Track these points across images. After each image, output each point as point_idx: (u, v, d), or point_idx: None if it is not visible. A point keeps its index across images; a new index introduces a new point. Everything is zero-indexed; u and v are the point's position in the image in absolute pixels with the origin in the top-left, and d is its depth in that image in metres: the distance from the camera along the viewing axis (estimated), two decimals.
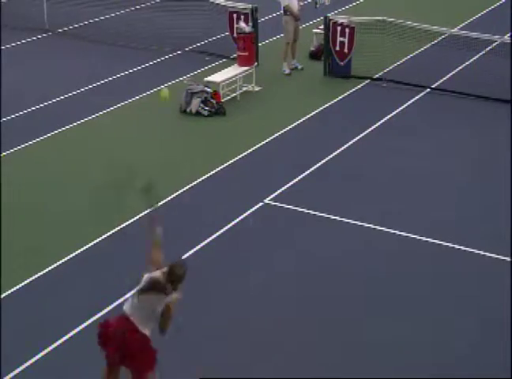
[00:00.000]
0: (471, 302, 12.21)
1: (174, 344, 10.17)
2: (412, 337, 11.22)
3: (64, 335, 10.86)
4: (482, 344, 11.12)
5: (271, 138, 17.47)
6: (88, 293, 12.20)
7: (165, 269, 8.69)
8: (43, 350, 10.60)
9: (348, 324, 11.51)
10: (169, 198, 14.77)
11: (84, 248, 13.20)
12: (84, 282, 12.52)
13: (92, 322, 10.93)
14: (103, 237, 13.66)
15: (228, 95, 19.38)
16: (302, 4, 22.12)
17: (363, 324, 11.56)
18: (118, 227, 13.86)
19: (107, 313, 11.22)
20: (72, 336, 10.91)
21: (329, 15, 20.97)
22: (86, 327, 11.01)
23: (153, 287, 8.68)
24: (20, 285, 12.21)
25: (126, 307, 8.75)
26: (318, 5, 23.48)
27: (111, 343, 8.70)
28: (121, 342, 8.64)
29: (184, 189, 15.15)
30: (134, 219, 14.12)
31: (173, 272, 8.63)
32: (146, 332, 8.69)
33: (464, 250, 13.47)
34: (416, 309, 12.04)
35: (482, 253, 13.38)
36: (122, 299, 11.49)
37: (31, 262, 12.97)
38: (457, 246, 13.45)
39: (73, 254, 12.98)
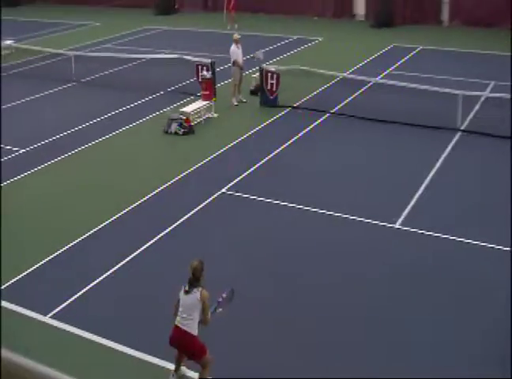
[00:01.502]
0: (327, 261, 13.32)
1: None
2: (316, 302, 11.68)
3: None
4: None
5: (226, 148, 18.56)
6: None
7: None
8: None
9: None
10: (157, 190, 15.78)
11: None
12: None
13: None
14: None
15: (196, 121, 20.45)
16: (244, 59, 22.93)
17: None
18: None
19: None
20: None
21: (263, 65, 22.46)
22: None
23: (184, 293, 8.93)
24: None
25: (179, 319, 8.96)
26: (255, 59, 23.95)
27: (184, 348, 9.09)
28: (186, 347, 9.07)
29: (166, 184, 16.11)
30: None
31: (191, 268, 8.86)
32: (195, 332, 8.92)
33: (352, 218, 14.49)
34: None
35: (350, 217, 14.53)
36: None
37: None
38: (351, 217, 14.42)
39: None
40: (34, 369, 2.22)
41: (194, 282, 8.80)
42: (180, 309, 8.89)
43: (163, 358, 9.95)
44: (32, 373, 2.22)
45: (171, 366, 9.58)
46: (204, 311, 8.82)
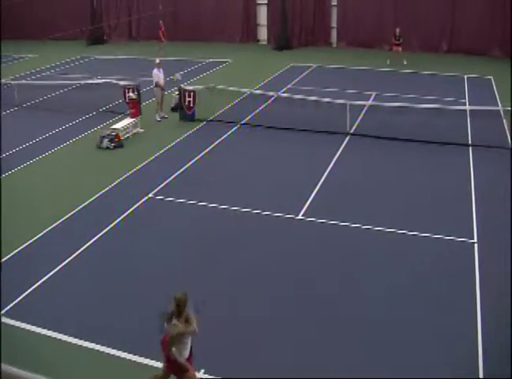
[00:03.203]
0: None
1: None
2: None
3: None
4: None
5: (152, 158, 18.31)
6: None
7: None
8: None
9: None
10: (92, 198, 15.35)
11: None
12: None
13: None
14: None
15: (125, 136, 20.15)
16: (166, 80, 22.97)
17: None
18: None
19: None
20: None
21: (181, 85, 22.43)
22: None
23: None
24: None
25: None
26: (175, 80, 24.04)
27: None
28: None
29: (100, 193, 15.71)
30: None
31: (175, 300, 7.86)
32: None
33: (258, 212, 14.54)
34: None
35: (275, 214, 14.62)
36: None
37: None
38: (261, 212, 14.61)
39: None
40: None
41: (176, 313, 7.90)
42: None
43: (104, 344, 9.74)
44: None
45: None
46: (169, 342, 7.98)
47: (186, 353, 8.09)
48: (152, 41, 37.44)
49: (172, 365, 8.11)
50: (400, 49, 31.82)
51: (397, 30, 31.77)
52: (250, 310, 10.71)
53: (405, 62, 31.58)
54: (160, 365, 8.83)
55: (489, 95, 25.19)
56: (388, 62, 31.82)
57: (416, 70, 30.47)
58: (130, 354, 9.53)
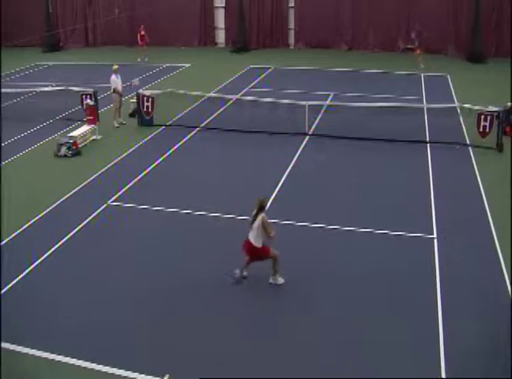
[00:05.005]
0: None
1: None
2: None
3: None
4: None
5: (110, 165, 18.04)
6: None
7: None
8: None
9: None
10: (50, 207, 15.10)
11: None
12: None
13: None
14: None
15: (83, 143, 19.85)
16: (124, 85, 22.77)
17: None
18: None
19: None
20: None
21: (139, 91, 22.12)
22: None
23: (252, 219, 11.01)
24: None
25: (249, 235, 11.07)
26: (132, 86, 24.10)
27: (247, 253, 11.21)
28: (251, 253, 11.17)
29: (59, 201, 15.47)
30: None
31: (259, 202, 11.02)
32: (259, 245, 11.00)
33: (216, 215, 14.57)
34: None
35: (233, 216, 14.55)
36: None
37: None
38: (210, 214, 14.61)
39: None
40: None
41: (259, 210, 10.97)
42: (250, 229, 11.05)
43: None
44: None
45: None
46: (265, 230, 10.92)
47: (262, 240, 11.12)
48: (108, 46, 37.06)
49: (256, 253, 11.12)
50: (418, 51, 31.49)
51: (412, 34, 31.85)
52: (211, 312, 10.68)
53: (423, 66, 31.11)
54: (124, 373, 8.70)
55: (446, 92, 25.62)
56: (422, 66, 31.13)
57: (374, 69, 30.78)
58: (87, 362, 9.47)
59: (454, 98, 24.51)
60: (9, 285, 11.66)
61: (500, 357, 9.29)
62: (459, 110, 21.15)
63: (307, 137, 19.92)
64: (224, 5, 38.96)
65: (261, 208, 11.01)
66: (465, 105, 19.95)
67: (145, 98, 21.81)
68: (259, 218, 10.91)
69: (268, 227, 10.95)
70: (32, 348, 9.82)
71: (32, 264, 12.45)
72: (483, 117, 18.85)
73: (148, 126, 21.72)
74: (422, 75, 29.11)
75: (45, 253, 12.83)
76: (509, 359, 9.11)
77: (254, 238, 11.02)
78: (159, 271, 12.10)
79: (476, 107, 19.26)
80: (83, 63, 35.10)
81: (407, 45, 31.80)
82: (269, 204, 14.53)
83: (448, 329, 9.99)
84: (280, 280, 11.41)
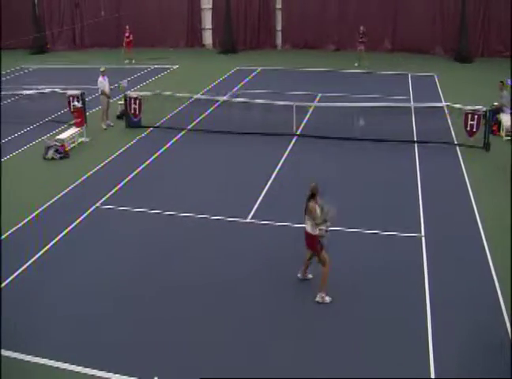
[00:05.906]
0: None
1: None
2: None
3: None
4: None
5: (98, 167, 17.99)
6: None
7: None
8: None
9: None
10: (38, 210, 15.00)
11: None
12: None
13: None
14: None
15: (71, 146, 19.77)
16: (112, 87, 22.60)
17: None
18: None
19: None
20: None
21: (127, 93, 22.00)
22: None
23: (305, 207, 10.84)
24: None
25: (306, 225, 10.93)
26: (121, 88, 23.38)
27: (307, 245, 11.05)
28: (307, 242, 11.00)
29: (47, 204, 15.39)
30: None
31: (310, 189, 10.83)
32: (315, 232, 10.83)
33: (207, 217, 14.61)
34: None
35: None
36: None
37: None
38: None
39: None
40: None
41: (311, 197, 10.82)
42: (305, 218, 10.95)
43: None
44: None
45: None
46: (312, 217, 10.76)
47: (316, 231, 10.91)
48: (95, 48, 36.84)
49: (312, 242, 10.95)
50: (363, 48, 31.89)
51: (361, 27, 31.95)
52: (202, 314, 10.62)
53: (356, 64, 31.87)
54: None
55: (433, 92, 25.72)
56: (356, 64, 31.93)
57: (362, 69, 30.86)
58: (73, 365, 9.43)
59: (442, 97, 24.62)
60: None
61: (489, 355, 9.32)
62: (446, 110, 21.26)
63: (295, 138, 19.94)
64: (211, 6, 38.92)
65: (312, 195, 10.87)
66: (453, 104, 20.07)
67: (133, 100, 21.75)
68: (309, 205, 10.82)
69: (313, 214, 10.77)
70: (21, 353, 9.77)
71: (19, 268, 12.39)
72: (470, 116, 18.97)
73: (136, 128, 21.66)
74: (409, 75, 29.23)
75: (33, 257, 12.76)
76: (498, 357, 9.16)
77: (310, 226, 10.89)
78: (149, 274, 12.03)
79: (464, 107, 19.37)
80: (70, 65, 34.90)
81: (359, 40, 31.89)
82: (256, 206, 14.87)
83: (436, 327, 10.02)
84: (327, 299, 11.00)
